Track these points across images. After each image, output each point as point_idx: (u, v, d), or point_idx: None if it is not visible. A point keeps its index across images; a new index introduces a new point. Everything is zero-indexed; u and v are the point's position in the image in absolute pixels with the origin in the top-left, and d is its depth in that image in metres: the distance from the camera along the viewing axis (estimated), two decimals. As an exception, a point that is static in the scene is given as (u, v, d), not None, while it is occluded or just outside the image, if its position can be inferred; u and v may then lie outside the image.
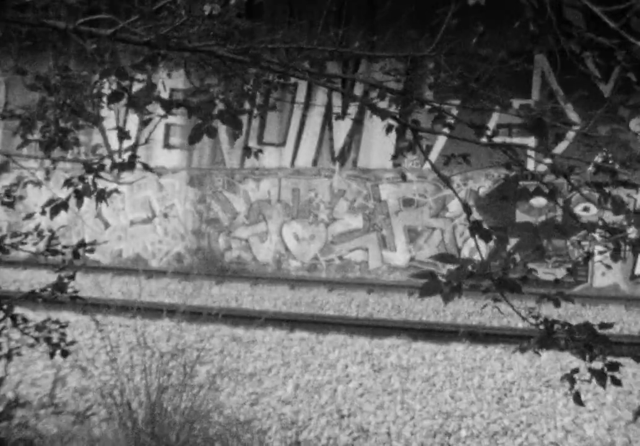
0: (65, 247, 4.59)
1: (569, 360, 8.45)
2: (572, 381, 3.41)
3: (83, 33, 3.48)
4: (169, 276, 13.75)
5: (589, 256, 3.70)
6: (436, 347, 9.23)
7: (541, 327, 3.25)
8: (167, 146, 17.70)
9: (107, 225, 18.25)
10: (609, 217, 3.46)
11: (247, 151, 4.40)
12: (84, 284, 11.73)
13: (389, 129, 4.03)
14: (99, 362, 8.25)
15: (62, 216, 3.71)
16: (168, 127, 17.41)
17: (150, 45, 3.45)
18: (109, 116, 4.04)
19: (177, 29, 3.59)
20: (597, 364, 3.25)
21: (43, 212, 3.64)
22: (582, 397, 3.53)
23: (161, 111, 3.15)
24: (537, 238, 2.86)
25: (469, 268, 2.42)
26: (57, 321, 4.85)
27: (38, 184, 4.25)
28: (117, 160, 3.46)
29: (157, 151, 17.61)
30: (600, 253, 3.50)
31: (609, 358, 3.23)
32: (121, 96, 3.25)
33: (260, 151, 4.41)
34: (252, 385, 8.09)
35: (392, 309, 11.21)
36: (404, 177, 4.18)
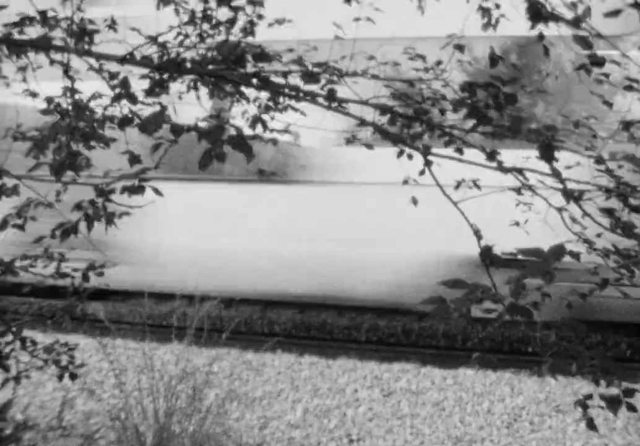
0: (75, 270, 4.59)
1: (579, 385, 8.40)
2: (585, 407, 3.40)
3: (95, 56, 3.50)
4: (178, 298, 13.70)
5: (606, 282, 3.68)
6: (446, 371, 9.18)
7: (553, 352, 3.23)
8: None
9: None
10: (622, 242, 3.44)
11: (260, 173, 4.41)
12: (93, 307, 11.72)
13: (400, 153, 4.03)
14: (108, 385, 8.24)
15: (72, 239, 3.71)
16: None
17: (160, 68, 3.46)
18: (119, 139, 4.04)
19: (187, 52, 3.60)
20: (610, 390, 3.23)
21: (53, 236, 3.64)
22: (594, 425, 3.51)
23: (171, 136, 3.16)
24: (546, 263, 2.86)
25: (479, 293, 2.41)
26: (65, 344, 4.84)
27: (49, 206, 4.24)
28: (128, 184, 3.46)
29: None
30: (617, 280, 3.49)
31: (624, 384, 3.21)
32: (131, 121, 3.26)
33: (274, 173, 4.41)
34: (261, 409, 8.07)
35: (403, 334, 11.17)
36: (415, 202, 4.17)
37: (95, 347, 9.02)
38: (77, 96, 4.18)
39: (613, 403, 3.16)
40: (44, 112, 4.07)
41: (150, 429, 5.88)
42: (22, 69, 4.38)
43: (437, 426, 7.65)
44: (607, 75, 3.84)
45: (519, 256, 2.60)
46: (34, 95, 4.60)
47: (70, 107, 4.14)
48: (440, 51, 3.93)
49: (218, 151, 2.86)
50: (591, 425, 3.41)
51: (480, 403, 8.22)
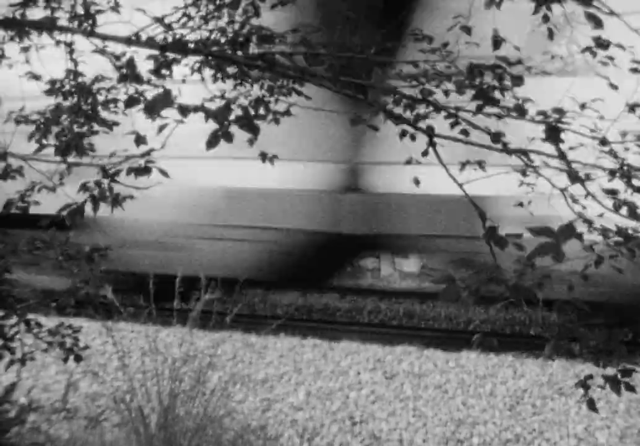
0: (79, 252, 4.59)
1: (581, 368, 8.42)
2: (586, 387, 3.41)
3: (100, 36, 3.49)
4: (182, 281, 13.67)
5: (601, 260, 3.69)
6: (448, 354, 9.19)
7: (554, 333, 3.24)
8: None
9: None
10: (623, 222, 3.44)
11: (262, 156, 4.40)
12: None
13: (403, 134, 4.03)
14: (111, 368, 8.26)
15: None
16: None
17: (165, 49, 3.46)
18: (123, 121, 4.04)
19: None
20: (610, 371, 3.25)
21: (59, 217, 3.64)
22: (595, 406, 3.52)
23: (177, 116, 3.16)
24: (556, 243, 2.83)
25: (487, 273, 2.42)
26: (70, 326, 4.85)
27: (52, 189, 4.24)
28: (134, 165, 3.46)
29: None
30: (612, 257, 3.49)
31: (623, 364, 3.22)
32: (137, 101, 3.26)
33: (276, 156, 4.41)
34: (263, 391, 8.09)
35: (404, 316, 11.19)
36: (417, 183, 4.15)
37: (98, 329, 9.03)
38: (80, 79, 4.18)
39: (616, 383, 3.18)
40: (47, 92, 4.07)
41: (154, 411, 5.90)
42: (26, 49, 4.37)
43: (439, 409, 7.67)
44: (611, 58, 3.83)
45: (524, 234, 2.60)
46: (37, 77, 4.59)
47: (73, 90, 4.14)
48: (447, 32, 3.92)
49: (225, 131, 2.86)
50: (592, 406, 3.42)
51: (482, 386, 8.24)
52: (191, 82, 4.12)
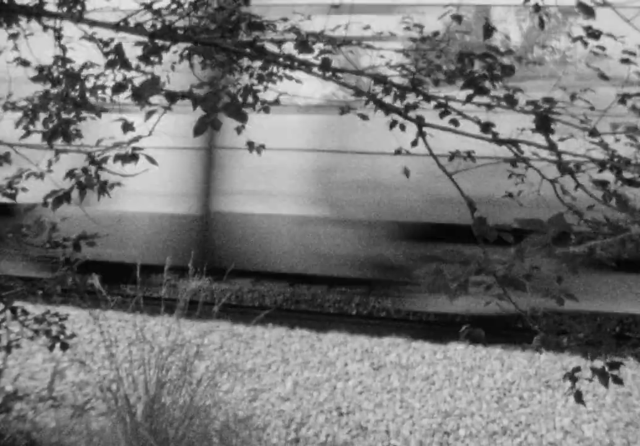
0: (66, 239, 4.57)
1: (569, 361, 8.42)
2: (574, 380, 3.40)
3: (89, 22, 3.47)
4: (171, 271, 13.62)
5: (592, 252, 3.68)
6: (436, 346, 9.19)
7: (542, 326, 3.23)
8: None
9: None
10: (614, 215, 3.43)
11: (250, 145, 4.39)
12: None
13: (392, 124, 4.02)
14: (98, 356, 8.24)
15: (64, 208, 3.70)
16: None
17: (154, 36, 3.44)
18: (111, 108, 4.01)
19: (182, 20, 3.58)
20: (599, 364, 3.24)
21: (45, 204, 3.63)
22: (582, 398, 3.52)
23: (165, 103, 3.14)
24: (545, 235, 2.82)
25: (475, 264, 2.40)
26: (56, 314, 4.84)
27: (40, 176, 4.23)
28: (121, 152, 3.45)
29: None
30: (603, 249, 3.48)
31: (611, 357, 3.22)
32: (124, 87, 3.24)
33: (263, 146, 4.40)
34: (251, 381, 8.09)
35: (393, 308, 11.20)
36: (406, 173, 4.13)
37: (85, 318, 9.01)
38: (68, 65, 4.16)
39: (604, 376, 3.18)
40: (35, 79, 4.05)
41: (140, 400, 5.88)
42: (14, 36, 4.35)
43: (426, 400, 7.67)
44: (603, 48, 3.83)
45: (512, 226, 2.59)
46: (25, 63, 4.56)
47: (61, 76, 4.11)
48: (438, 21, 3.91)
49: (213, 118, 2.84)
50: (579, 399, 3.42)
51: (470, 378, 8.24)
52: (180, 70, 4.11)
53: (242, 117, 2.89)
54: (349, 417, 7.27)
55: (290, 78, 4.09)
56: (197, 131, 2.83)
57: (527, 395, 7.81)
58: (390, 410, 7.43)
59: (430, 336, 9.55)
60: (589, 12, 3.06)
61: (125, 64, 3.40)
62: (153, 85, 3.03)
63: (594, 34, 3.50)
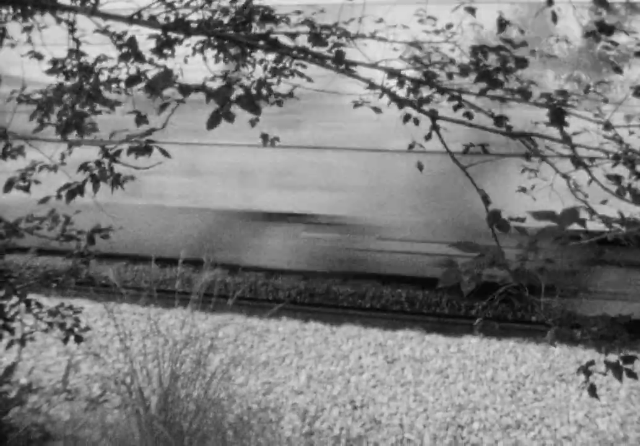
0: (80, 232, 4.58)
1: (583, 354, 8.41)
2: (588, 373, 3.39)
3: (102, 15, 3.47)
4: (185, 264, 13.58)
5: (604, 251, 3.67)
6: (449, 339, 9.18)
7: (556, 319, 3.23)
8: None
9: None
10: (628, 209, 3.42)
11: (264, 138, 4.38)
12: (97, 272, 11.71)
13: (406, 117, 4.01)
14: (112, 349, 8.25)
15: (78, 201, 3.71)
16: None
17: (168, 29, 3.44)
18: (126, 101, 4.02)
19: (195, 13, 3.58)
20: (613, 357, 3.23)
21: (59, 197, 3.63)
22: (595, 392, 3.51)
23: (179, 96, 3.14)
24: (559, 227, 2.81)
25: (489, 256, 2.39)
26: (70, 307, 4.85)
27: (54, 168, 4.23)
28: (134, 144, 3.45)
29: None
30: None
31: (625, 351, 3.21)
32: (138, 80, 3.24)
33: (277, 138, 4.39)
34: (265, 375, 8.10)
35: (407, 301, 11.18)
36: (420, 168, 4.12)
37: (100, 312, 9.03)
38: (82, 58, 4.16)
39: (618, 370, 3.17)
40: (49, 72, 4.05)
41: (154, 393, 5.89)
42: (28, 29, 4.35)
43: (440, 394, 7.67)
44: (615, 43, 3.81)
45: (526, 220, 2.58)
46: (39, 57, 4.57)
47: (75, 69, 4.12)
48: (451, 14, 3.89)
49: (226, 111, 2.84)
50: (593, 392, 3.42)
51: (484, 371, 8.23)
52: (194, 63, 4.11)
53: (256, 109, 2.89)
54: (362, 410, 7.28)
55: (302, 75, 4.08)
56: (211, 124, 2.83)
57: (541, 388, 7.80)
58: (404, 403, 7.44)
59: (444, 330, 9.54)
60: (606, 6, 3.05)
61: (139, 57, 3.40)
62: (166, 78, 3.03)
63: (606, 29, 3.47)
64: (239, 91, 3.12)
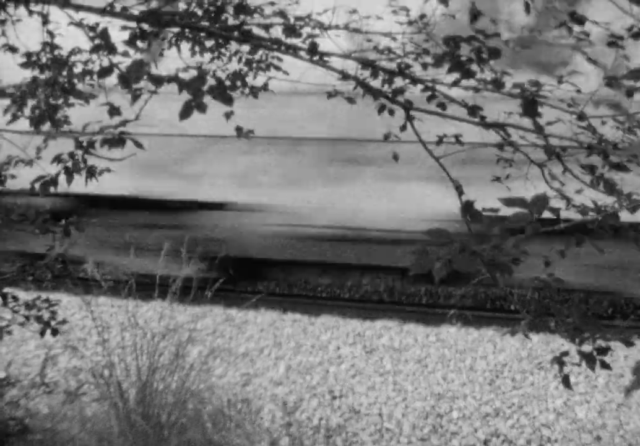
0: (55, 225, 4.57)
1: (561, 343, 8.45)
2: (562, 364, 3.41)
3: (74, 7, 3.46)
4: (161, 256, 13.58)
5: (582, 239, 3.69)
6: (428, 329, 9.21)
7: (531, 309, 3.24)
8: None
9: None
10: (601, 199, 3.44)
11: (238, 131, 4.38)
12: (75, 264, 11.70)
13: (381, 108, 4.01)
14: (91, 342, 8.25)
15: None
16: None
17: (141, 20, 3.43)
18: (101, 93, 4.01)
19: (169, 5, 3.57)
20: (587, 348, 3.25)
21: (32, 189, 3.62)
22: (573, 380, 3.54)
23: (151, 87, 3.14)
24: (530, 214, 2.83)
25: (458, 244, 2.40)
26: (47, 300, 4.83)
27: (29, 163, 4.23)
28: (108, 136, 3.44)
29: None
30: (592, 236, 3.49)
31: (599, 342, 3.23)
32: (110, 71, 3.23)
33: (251, 131, 4.39)
34: (244, 366, 8.11)
35: (385, 292, 11.20)
36: (395, 158, 4.11)
37: (78, 304, 9.02)
38: (56, 51, 4.15)
39: (591, 360, 3.18)
40: (24, 65, 4.04)
41: (133, 385, 5.89)
42: (2, 22, 4.34)
43: (419, 383, 7.70)
44: (587, 34, 3.82)
45: (501, 209, 2.58)
46: (13, 50, 4.55)
47: (49, 63, 4.11)
48: (424, 4, 3.90)
49: (198, 102, 2.84)
50: (567, 383, 3.43)
51: (462, 360, 8.26)
52: (170, 57, 4.10)
53: (228, 100, 2.89)
54: (341, 400, 7.30)
55: (278, 68, 4.09)
56: (183, 114, 2.83)
57: (519, 376, 7.84)
58: (383, 393, 7.46)
59: (423, 319, 9.57)
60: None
61: (111, 49, 3.39)
62: (138, 69, 3.02)
63: (579, 20, 3.49)
64: (212, 82, 3.12)
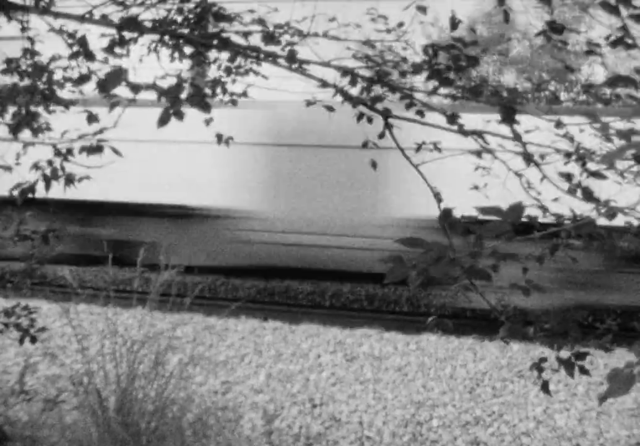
0: (34, 232, 4.56)
1: (541, 350, 8.48)
2: (540, 370, 3.42)
3: (54, 14, 3.46)
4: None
5: (557, 247, 3.71)
6: (408, 337, 9.22)
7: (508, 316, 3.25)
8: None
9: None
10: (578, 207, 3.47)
11: (218, 138, 4.39)
12: (55, 272, 11.68)
13: (360, 116, 4.02)
14: (70, 350, 8.22)
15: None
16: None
17: (120, 28, 3.43)
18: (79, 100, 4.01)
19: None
20: (565, 354, 3.26)
21: (11, 196, 3.62)
22: (553, 388, 3.55)
23: (130, 95, 3.14)
24: (505, 223, 2.85)
25: (435, 253, 2.40)
26: (26, 307, 4.83)
27: (8, 169, 4.22)
28: (86, 143, 3.44)
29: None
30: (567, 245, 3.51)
31: (577, 348, 3.24)
32: (88, 78, 3.24)
33: (231, 138, 4.39)
34: (224, 374, 8.09)
35: (366, 299, 11.22)
36: (374, 165, 4.14)
37: (58, 312, 9.00)
38: (36, 58, 4.15)
39: (570, 366, 3.20)
40: (3, 72, 4.04)
41: (112, 393, 5.87)
42: (-18, 30, 4.33)
43: (399, 391, 7.70)
44: (565, 42, 3.84)
45: (479, 217, 2.59)
46: (-8, 56, 4.54)
47: (29, 69, 4.10)
48: (403, 13, 3.91)
49: (176, 109, 2.85)
50: (546, 389, 3.44)
51: (442, 368, 8.28)
52: (149, 63, 4.10)
53: (206, 107, 2.89)
54: (322, 408, 7.29)
55: (257, 73, 4.10)
56: (161, 121, 2.83)
57: (499, 385, 7.86)
58: (363, 401, 7.46)
59: (403, 327, 9.59)
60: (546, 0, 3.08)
61: (89, 56, 3.40)
62: (117, 76, 3.03)
63: (557, 28, 3.51)
64: (191, 90, 3.13)
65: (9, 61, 4.19)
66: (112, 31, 3.59)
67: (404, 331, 9.43)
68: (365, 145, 4.28)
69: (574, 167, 3.62)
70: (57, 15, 3.67)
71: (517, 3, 3.55)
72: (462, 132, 3.51)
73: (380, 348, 8.82)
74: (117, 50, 3.55)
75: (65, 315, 7.70)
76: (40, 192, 3.59)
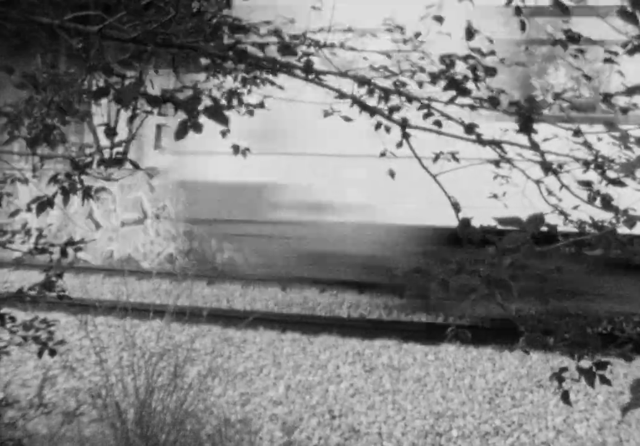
0: (53, 245, 4.56)
1: (560, 360, 8.44)
2: (561, 380, 3.40)
3: (70, 30, 3.46)
4: (160, 277, 13.61)
5: (579, 254, 3.68)
6: (427, 347, 9.19)
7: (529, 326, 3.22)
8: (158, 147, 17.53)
9: (98, 226, 18.08)
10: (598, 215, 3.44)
11: (235, 149, 4.38)
12: (75, 285, 11.71)
13: (377, 126, 4.01)
14: (89, 363, 8.23)
15: (53, 217, 3.72)
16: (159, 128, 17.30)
17: (136, 41, 3.43)
18: (97, 113, 4.01)
19: (164, 26, 3.57)
20: (585, 364, 3.24)
21: (29, 210, 3.62)
22: (573, 397, 3.52)
23: (148, 107, 3.13)
24: (524, 233, 2.82)
25: (455, 265, 2.39)
26: (44, 320, 4.82)
27: (25, 181, 4.23)
28: (105, 157, 3.44)
29: (150, 153, 17.44)
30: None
31: (598, 357, 3.21)
32: (106, 91, 3.23)
33: (248, 149, 4.39)
34: (242, 385, 8.09)
35: (384, 310, 11.19)
36: (392, 175, 4.14)
37: (76, 325, 9.01)
38: (53, 71, 4.15)
39: (590, 376, 3.17)
40: (20, 86, 4.04)
41: (131, 406, 5.88)
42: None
43: (419, 402, 7.68)
44: (582, 51, 3.83)
45: (497, 227, 2.58)
46: (10, 71, 4.55)
47: (46, 82, 4.11)
48: (419, 22, 3.90)
49: (194, 122, 2.84)
50: (566, 399, 3.41)
51: (462, 379, 8.25)
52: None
53: (224, 120, 2.89)
54: (341, 420, 7.27)
55: (272, 83, 4.09)
56: (178, 134, 2.82)
57: (519, 394, 7.83)
58: (382, 412, 7.44)
59: (422, 338, 9.55)
60: (564, 10, 3.06)
61: (106, 69, 3.39)
62: (134, 89, 3.02)
63: (574, 37, 3.50)
64: (208, 102, 3.12)
65: (25, 75, 4.20)
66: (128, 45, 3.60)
67: (423, 341, 9.40)
68: (383, 154, 4.27)
69: (592, 176, 3.60)
70: (76, 31, 3.68)
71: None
72: (480, 141, 3.49)
73: (399, 359, 8.80)
74: (134, 63, 3.55)
75: (83, 328, 7.72)
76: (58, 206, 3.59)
